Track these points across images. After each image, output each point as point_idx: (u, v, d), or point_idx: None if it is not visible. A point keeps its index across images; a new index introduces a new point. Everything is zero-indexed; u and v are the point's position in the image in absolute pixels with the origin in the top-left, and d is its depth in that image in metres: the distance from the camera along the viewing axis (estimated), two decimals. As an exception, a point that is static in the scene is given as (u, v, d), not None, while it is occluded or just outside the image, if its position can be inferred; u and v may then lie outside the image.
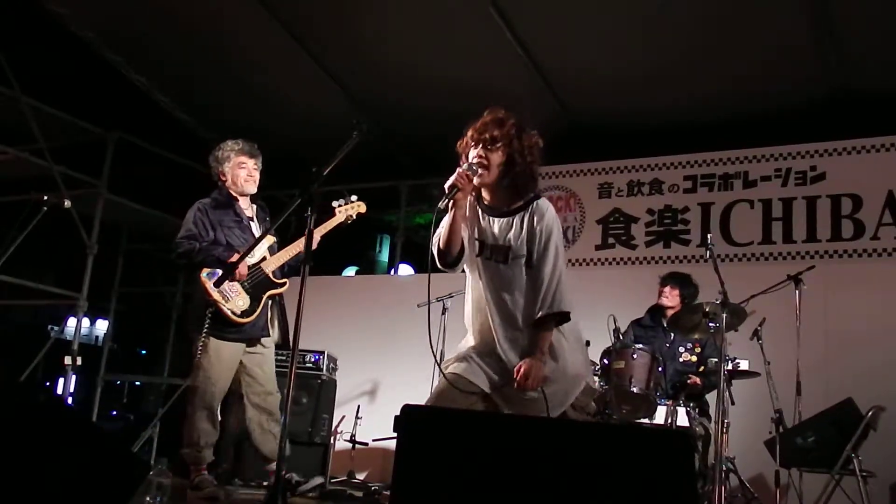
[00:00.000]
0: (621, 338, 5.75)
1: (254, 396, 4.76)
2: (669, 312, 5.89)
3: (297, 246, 4.72)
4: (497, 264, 3.30)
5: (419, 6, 6.66)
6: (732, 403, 5.09)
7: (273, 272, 4.74)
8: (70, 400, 7.21)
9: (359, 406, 6.90)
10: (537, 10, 6.47)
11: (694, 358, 5.81)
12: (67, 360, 7.43)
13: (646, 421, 5.24)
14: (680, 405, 5.29)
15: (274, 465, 4.64)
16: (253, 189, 4.90)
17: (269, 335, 4.79)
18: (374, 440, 6.65)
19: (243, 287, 4.63)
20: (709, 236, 5.22)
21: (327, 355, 6.59)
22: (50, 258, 10.77)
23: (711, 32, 6.38)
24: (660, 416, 5.26)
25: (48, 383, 10.85)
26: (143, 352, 12.91)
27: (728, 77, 6.73)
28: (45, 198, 5.20)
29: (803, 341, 5.53)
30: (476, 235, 3.35)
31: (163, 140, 8.69)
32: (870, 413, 4.93)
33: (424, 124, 7.47)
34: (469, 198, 3.33)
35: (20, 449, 2.58)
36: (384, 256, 10.24)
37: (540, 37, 6.75)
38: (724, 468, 4.92)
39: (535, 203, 3.31)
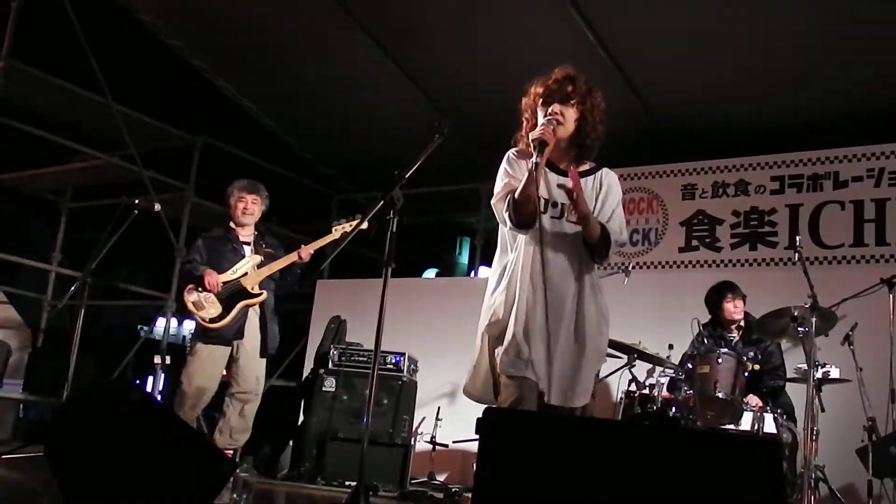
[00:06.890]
0: (705, 342, 5.64)
1: (235, 391, 5.34)
2: (734, 325, 5.76)
3: (281, 262, 5.34)
4: (568, 223, 3.23)
5: (500, 11, 6.66)
6: (822, 410, 4.94)
7: (252, 286, 5.31)
8: (159, 398, 7.40)
9: (439, 408, 6.92)
10: (618, 9, 6.41)
11: (757, 367, 5.49)
12: (157, 358, 7.66)
13: (731, 427, 5.12)
14: (767, 411, 5.16)
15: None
16: (249, 220, 5.51)
17: (241, 338, 5.29)
18: (454, 442, 6.66)
19: (218, 298, 5.23)
20: (797, 238, 5.12)
21: (408, 357, 6.62)
22: (140, 260, 11.11)
23: (798, 32, 6.23)
24: (746, 422, 5.14)
25: (138, 381, 11.18)
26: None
27: (816, 77, 6.56)
28: (136, 202, 5.38)
29: (898, 347, 5.35)
30: (541, 193, 3.21)
31: (248, 145, 8.89)
32: (969, 422, 4.76)
33: (504, 126, 7.45)
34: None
35: (117, 443, 2.67)
36: (464, 259, 10.26)
37: (622, 38, 6.70)
38: (814, 476, 4.78)
39: (602, 170, 3.37)
